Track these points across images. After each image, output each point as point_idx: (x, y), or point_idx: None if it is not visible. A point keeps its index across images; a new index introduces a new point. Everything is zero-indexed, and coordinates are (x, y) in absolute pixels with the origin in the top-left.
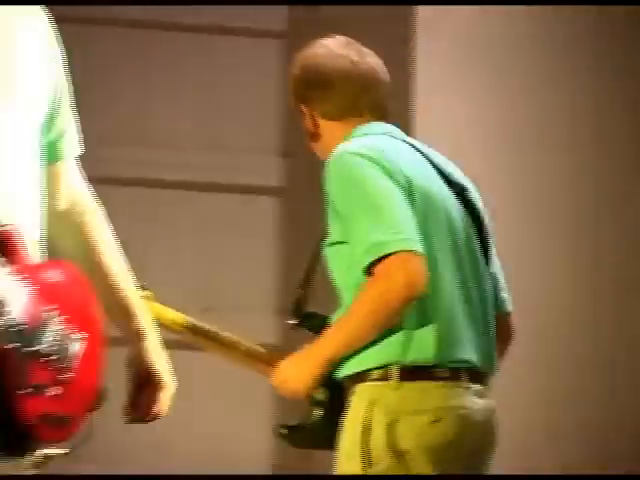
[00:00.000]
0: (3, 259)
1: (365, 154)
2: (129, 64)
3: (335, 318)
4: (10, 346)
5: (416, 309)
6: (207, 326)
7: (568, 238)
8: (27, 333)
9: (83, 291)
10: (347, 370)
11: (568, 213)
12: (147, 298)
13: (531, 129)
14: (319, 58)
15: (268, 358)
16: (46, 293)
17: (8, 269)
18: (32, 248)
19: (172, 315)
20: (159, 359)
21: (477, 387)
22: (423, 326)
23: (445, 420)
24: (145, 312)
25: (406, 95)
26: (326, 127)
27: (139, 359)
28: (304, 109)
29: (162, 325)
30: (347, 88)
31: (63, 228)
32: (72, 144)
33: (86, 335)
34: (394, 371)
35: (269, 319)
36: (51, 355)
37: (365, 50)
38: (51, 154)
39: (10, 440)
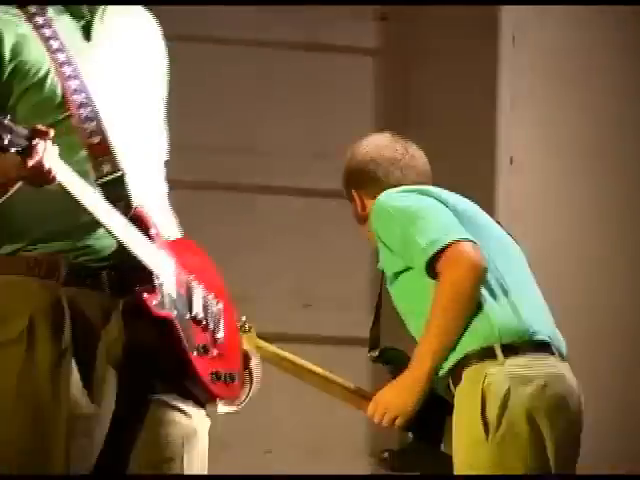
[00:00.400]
0: (152, 238)
1: (399, 191)
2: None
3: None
4: (174, 313)
5: (491, 292)
6: (302, 361)
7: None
8: (183, 300)
9: (209, 263)
10: (449, 364)
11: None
12: (249, 332)
13: (609, 135)
14: (368, 149)
15: (360, 392)
16: (184, 265)
17: (158, 246)
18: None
19: (273, 349)
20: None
21: (561, 358)
22: (505, 308)
23: (552, 385)
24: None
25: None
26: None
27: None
28: (354, 194)
29: (264, 358)
30: (391, 173)
31: None
32: (165, 148)
33: (222, 301)
34: (497, 349)
35: (364, 315)
36: (205, 319)
37: (408, 142)
38: None
39: (189, 395)
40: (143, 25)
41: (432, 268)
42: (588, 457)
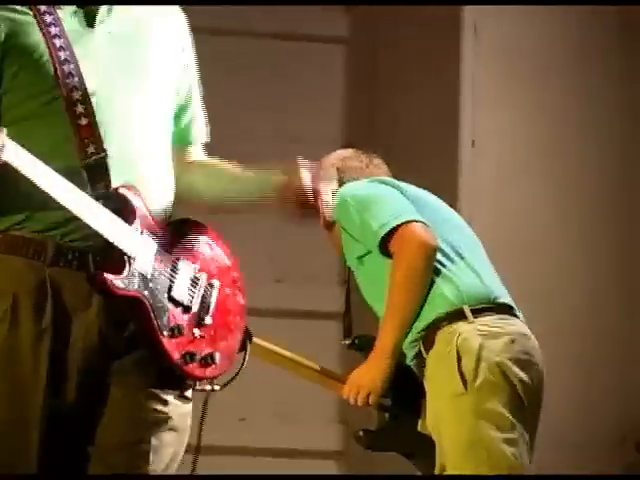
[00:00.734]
0: (130, 218)
1: (356, 185)
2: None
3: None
4: (144, 293)
5: (452, 261)
6: (273, 346)
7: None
8: (161, 281)
9: (219, 249)
10: (418, 330)
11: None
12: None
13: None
14: (334, 160)
15: (338, 377)
16: (175, 246)
17: (135, 226)
18: (163, 218)
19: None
20: None
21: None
22: (468, 274)
23: (519, 341)
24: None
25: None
26: None
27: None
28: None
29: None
30: (356, 180)
31: (197, 176)
32: (201, 131)
33: (219, 282)
34: (466, 310)
35: (334, 288)
36: (187, 301)
37: (371, 155)
38: (183, 138)
39: (163, 376)
40: (156, 13)
41: (386, 249)
42: (549, 455)
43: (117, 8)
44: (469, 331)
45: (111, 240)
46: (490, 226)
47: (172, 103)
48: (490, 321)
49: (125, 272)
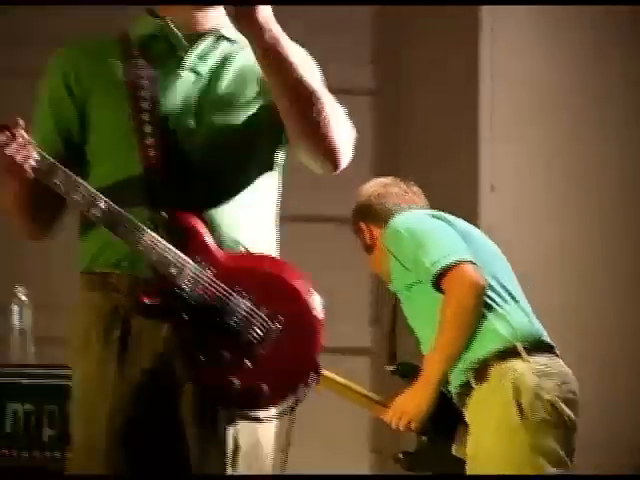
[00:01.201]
0: (189, 246)
1: (413, 213)
2: None
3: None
4: (183, 317)
5: (503, 299)
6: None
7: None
8: (208, 309)
9: (291, 284)
10: (470, 363)
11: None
12: None
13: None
14: (375, 187)
15: (378, 400)
16: (237, 278)
17: (193, 255)
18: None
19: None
20: None
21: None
22: (518, 312)
23: (567, 382)
24: None
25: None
26: (379, 233)
27: None
28: (362, 226)
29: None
30: (397, 205)
31: None
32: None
33: (282, 317)
34: (520, 349)
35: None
36: (237, 331)
37: (409, 182)
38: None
39: (214, 401)
40: (241, 47)
41: (438, 285)
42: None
43: (203, 47)
44: (525, 369)
45: (159, 268)
46: (511, 223)
47: (260, 138)
48: (542, 361)
49: (161, 295)
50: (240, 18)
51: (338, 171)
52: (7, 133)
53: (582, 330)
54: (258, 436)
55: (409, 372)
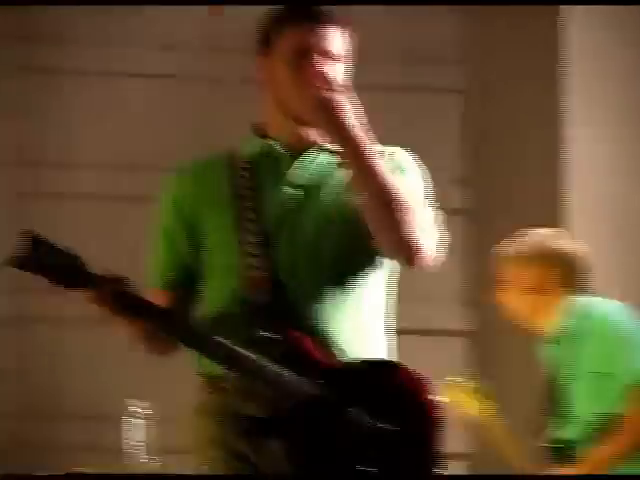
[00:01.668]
0: (303, 364)
1: (614, 311)
2: None
3: None
4: (300, 432)
5: None
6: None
7: None
8: (322, 422)
9: (397, 384)
10: None
11: None
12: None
13: None
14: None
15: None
16: (348, 387)
17: (310, 371)
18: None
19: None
20: None
21: None
22: None
23: None
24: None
25: None
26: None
27: None
28: (541, 269)
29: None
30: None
31: None
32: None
33: (400, 421)
34: None
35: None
36: (354, 440)
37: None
38: None
39: None
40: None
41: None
42: None
43: (306, 161)
44: None
45: (276, 391)
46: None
47: (362, 248)
48: None
49: (283, 414)
50: (320, 120)
51: (418, 268)
52: (111, 284)
53: None
54: None
55: (564, 453)
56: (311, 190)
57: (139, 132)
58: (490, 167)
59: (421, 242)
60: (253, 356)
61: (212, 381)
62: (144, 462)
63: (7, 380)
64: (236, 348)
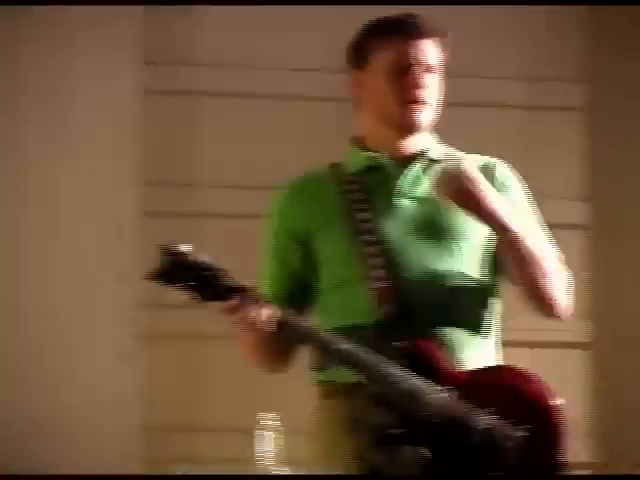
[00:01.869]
0: (430, 372)
1: None
2: None
3: None
4: (429, 443)
5: None
6: None
7: None
8: (451, 431)
9: (521, 389)
10: None
11: None
12: None
13: None
14: None
15: None
16: (474, 395)
17: (437, 380)
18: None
19: None
20: None
21: None
22: None
23: None
24: None
25: None
26: None
27: None
28: None
29: None
30: None
31: None
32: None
33: (526, 426)
34: None
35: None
36: (483, 448)
37: None
38: None
39: None
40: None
41: None
42: None
43: (414, 172)
44: None
45: (405, 399)
46: None
47: (478, 259)
48: None
49: (413, 426)
50: (449, 196)
51: (554, 318)
52: (249, 296)
53: None
54: None
55: None
56: (425, 201)
57: (266, 152)
58: (614, 183)
59: (560, 300)
60: (386, 364)
61: (340, 388)
62: (276, 473)
63: (146, 395)
64: (371, 356)
